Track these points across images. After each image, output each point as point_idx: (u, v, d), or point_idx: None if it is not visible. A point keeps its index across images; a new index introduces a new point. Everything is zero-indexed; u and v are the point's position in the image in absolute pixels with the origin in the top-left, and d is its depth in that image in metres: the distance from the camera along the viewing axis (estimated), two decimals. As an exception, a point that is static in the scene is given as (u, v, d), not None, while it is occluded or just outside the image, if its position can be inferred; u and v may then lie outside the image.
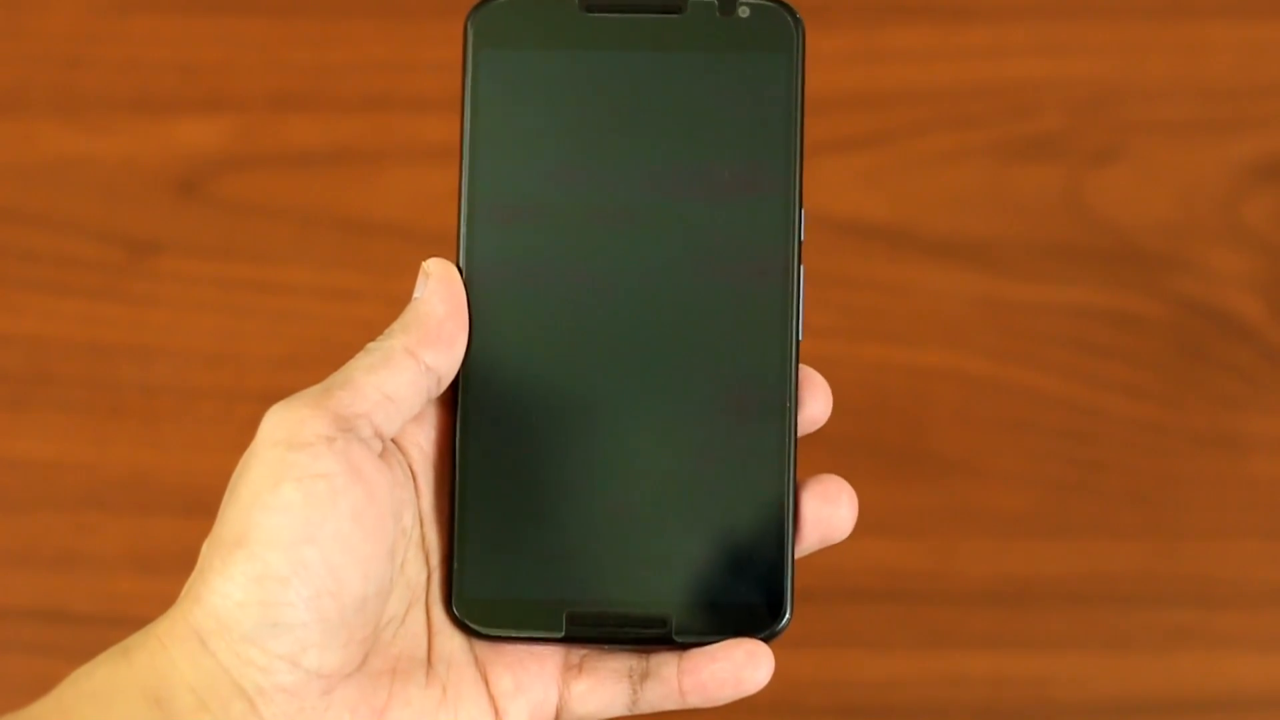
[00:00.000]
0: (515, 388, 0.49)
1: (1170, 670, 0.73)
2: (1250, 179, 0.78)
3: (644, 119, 0.49)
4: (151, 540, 0.75)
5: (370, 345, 0.48)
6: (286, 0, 0.81)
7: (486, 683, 0.49)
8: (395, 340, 0.48)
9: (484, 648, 0.49)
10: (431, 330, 0.48)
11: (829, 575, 0.73)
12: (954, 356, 0.76)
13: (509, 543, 0.49)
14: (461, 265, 0.50)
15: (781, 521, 0.49)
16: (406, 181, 0.79)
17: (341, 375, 0.47)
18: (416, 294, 0.49)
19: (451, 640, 0.49)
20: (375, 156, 0.79)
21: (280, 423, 0.46)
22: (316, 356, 0.76)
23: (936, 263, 0.77)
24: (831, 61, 0.80)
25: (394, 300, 0.77)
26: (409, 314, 0.49)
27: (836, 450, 0.75)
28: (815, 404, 0.50)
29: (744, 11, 0.49)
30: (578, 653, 0.49)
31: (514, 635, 0.48)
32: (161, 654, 0.45)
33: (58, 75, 0.80)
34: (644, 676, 0.49)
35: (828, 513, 0.49)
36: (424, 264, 0.50)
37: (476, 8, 0.50)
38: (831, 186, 0.78)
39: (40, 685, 0.47)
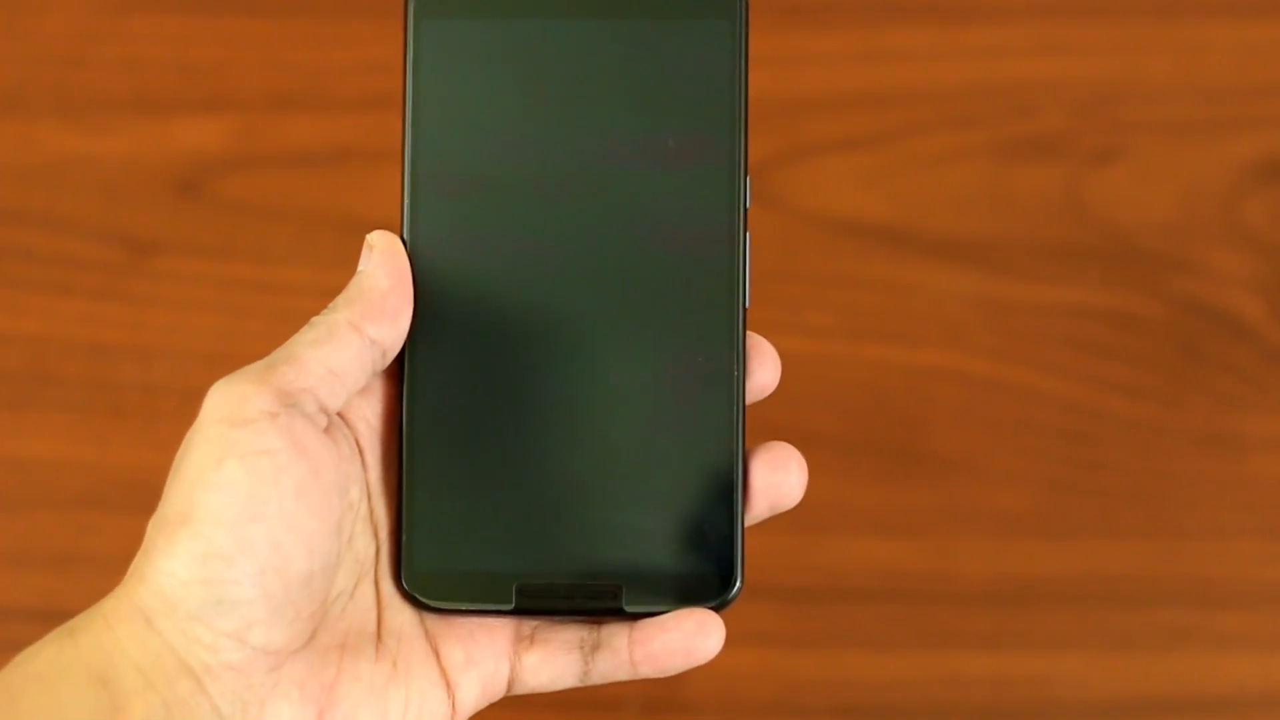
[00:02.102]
0: (461, 359, 0.49)
1: (1170, 670, 0.73)
2: (1250, 179, 0.78)
3: (587, 87, 0.49)
4: (151, 540, 0.75)
5: (314, 320, 0.48)
6: (286, 0, 0.81)
7: (437, 656, 0.48)
8: (339, 314, 0.48)
9: (434, 621, 0.49)
10: (375, 303, 0.48)
11: (829, 575, 0.73)
12: (954, 356, 0.76)
13: (457, 515, 0.49)
14: (405, 237, 0.49)
15: (731, 490, 0.49)
16: (406, 181, 0.79)
17: (285, 350, 0.47)
18: (361, 267, 0.49)
19: (401, 614, 0.49)
20: (375, 156, 0.79)
21: (223, 400, 0.46)
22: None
23: (936, 263, 0.77)
24: (831, 61, 0.79)
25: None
26: (352, 288, 0.49)
27: (837, 450, 0.75)
28: (764, 371, 0.50)
29: None
30: (529, 624, 0.49)
31: (463, 608, 0.48)
32: (107, 634, 0.45)
33: (58, 75, 0.80)
34: (595, 647, 0.49)
35: (777, 479, 0.49)
36: (368, 237, 0.49)
37: None
38: (831, 186, 0.78)
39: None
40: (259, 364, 0.47)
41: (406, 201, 0.49)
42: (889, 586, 0.73)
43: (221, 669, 0.44)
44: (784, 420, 0.74)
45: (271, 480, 0.45)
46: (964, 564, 0.74)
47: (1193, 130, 0.79)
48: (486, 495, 0.49)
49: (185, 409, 0.77)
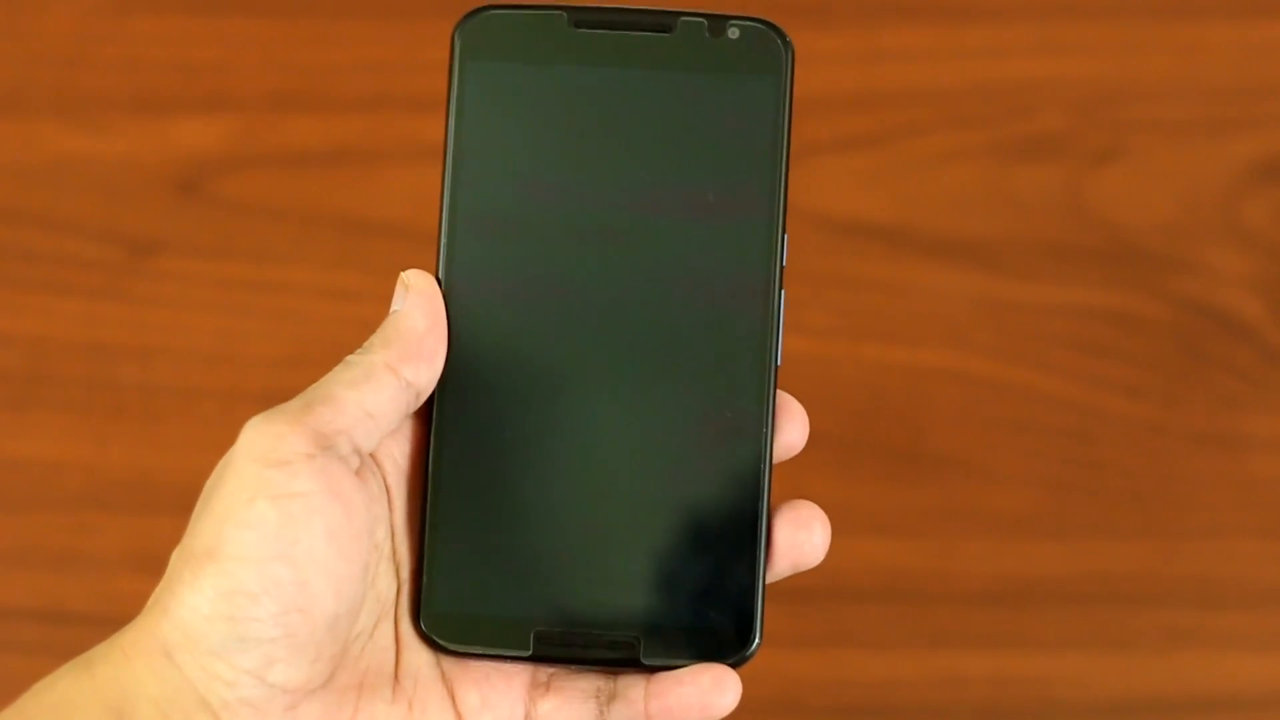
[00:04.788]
0: (490, 403, 0.49)
1: (1170, 670, 0.73)
2: (1250, 179, 0.78)
3: (630, 137, 0.49)
4: (151, 540, 0.74)
5: (350, 359, 0.48)
6: (286, 0, 0.81)
7: (453, 699, 0.48)
8: (376, 355, 0.48)
9: (451, 663, 0.49)
10: (412, 345, 0.48)
11: (829, 575, 0.73)
12: (954, 356, 0.76)
13: (479, 559, 0.48)
14: (440, 277, 0.49)
15: (754, 547, 0.48)
16: (406, 181, 0.79)
17: (322, 390, 0.47)
18: (395, 306, 0.49)
19: (419, 655, 0.49)
20: (375, 156, 0.79)
21: (259, 438, 0.46)
22: (316, 356, 0.75)
23: (936, 263, 0.77)
24: (831, 61, 0.79)
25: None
26: (389, 328, 0.48)
27: (837, 450, 0.75)
28: (792, 430, 0.50)
29: (734, 33, 0.49)
30: (546, 671, 0.49)
31: (479, 652, 0.48)
32: (125, 666, 0.45)
33: (58, 75, 0.80)
34: (611, 698, 0.48)
35: (800, 539, 0.49)
36: (403, 275, 0.49)
37: (465, 18, 0.49)
38: (831, 186, 0.78)
39: (40, 685, 0.47)
40: (296, 402, 0.47)
41: (443, 240, 0.49)
42: (889, 586, 0.73)
43: (239, 705, 0.44)
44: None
45: (303, 522, 0.45)
46: (964, 564, 0.74)
47: (1193, 130, 0.79)
48: (509, 540, 0.48)
49: (185, 409, 0.77)
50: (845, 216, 0.78)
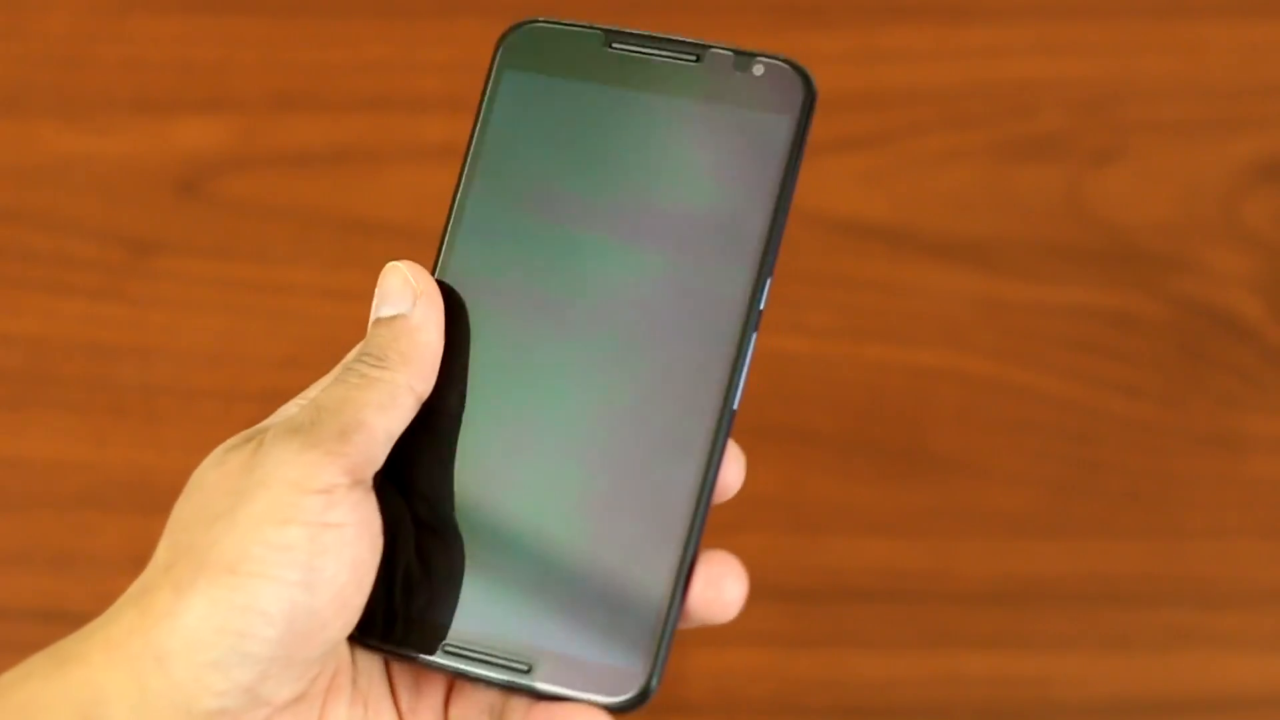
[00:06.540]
0: (443, 415, 0.49)
1: (1170, 670, 0.73)
2: (1250, 179, 0.78)
3: (640, 160, 0.49)
4: (151, 540, 0.74)
5: (372, 371, 0.47)
6: (286, 0, 0.81)
7: (394, 698, 0.49)
8: (399, 375, 0.47)
9: (395, 666, 0.49)
10: (430, 364, 0.48)
11: (829, 575, 0.73)
12: (954, 356, 0.76)
13: (410, 564, 0.48)
14: (435, 275, 0.49)
15: (668, 592, 0.47)
16: (406, 181, 0.79)
17: (353, 413, 0.46)
18: (403, 309, 0.48)
19: (367, 654, 0.49)
20: (375, 156, 0.79)
21: (295, 462, 0.45)
22: (316, 356, 0.75)
23: (936, 263, 0.77)
24: (831, 61, 0.80)
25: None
26: (407, 342, 0.48)
27: (836, 450, 0.75)
28: (728, 469, 0.48)
29: (758, 69, 0.49)
30: (461, 682, 0.49)
31: (390, 650, 0.48)
32: (104, 669, 0.44)
33: (58, 75, 0.80)
34: (499, 717, 0.48)
35: (710, 595, 0.47)
36: (400, 267, 0.48)
37: (511, 28, 0.50)
38: (831, 186, 0.78)
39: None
40: (329, 427, 0.46)
41: (445, 240, 0.49)
42: (889, 586, 0.73)
43: (220, 714, 0.44)
44: (784, 420, 0.75)
45: (334, 553, 0.45)
46: (964, 564, 0.74)
47: (1193, 130, 0.79)
48: (437, 548, 0.48)
49: (185, 409, 0.77)
50: (845, 216, 0.78)
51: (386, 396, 0.47)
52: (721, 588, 0.47)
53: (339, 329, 0.76)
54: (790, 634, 0.73)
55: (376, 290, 0.49)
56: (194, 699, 0.44)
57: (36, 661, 0.45)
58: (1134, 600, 0.73)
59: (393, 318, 0.48)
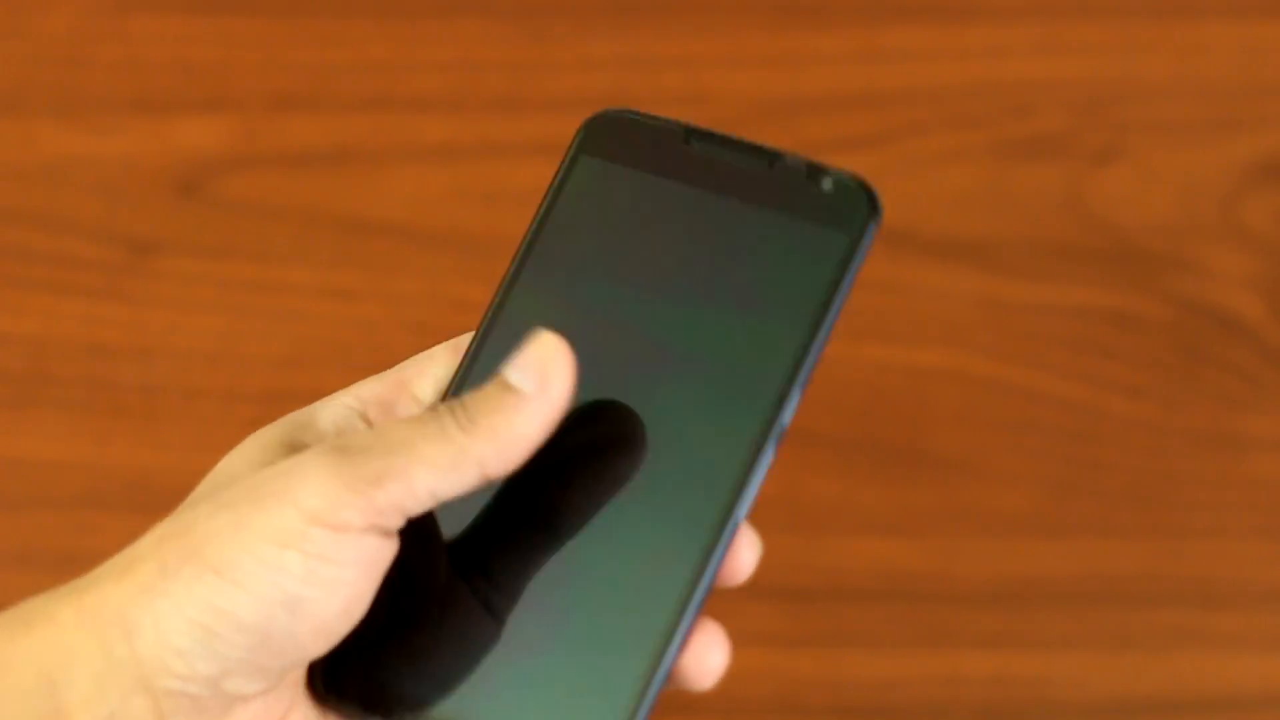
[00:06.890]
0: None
1: (1170, 670, 0.73)
2: (1250, 179, 0.78)
3: (696, 259, 0.49)
4: (151, 540, 0.75)
5: (449, 428, 0.45)
6: (286, 0, 0.81)
7: None
8: (476, 446, 0.44)
9: None
10: (514, 455, 0.45)
11: (829, 575, 0.73)
12: (954, 356, 0.76)
13: (380, 624, 0.48)
14: (473, 342, 0.49)
15: (642, 685, 0.47)
16: (406, 181, 0.79)
17: (403, 463, 0.44)
18: (527, 388, 0.45)
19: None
20: (375, 156, 0.79)
21: (318, 490, 0.44)
22: (316, 356, 0.75)
23: (936, 263, 0.77)
24: (831, 61, 0.80)
25: (394, 300, 0.77)
26: (504, 423, 0.45)
27: (837, 450, 0.75)
28: (743, 554, 0.47)
29: (827, 184, 0.49)
30: None
31: (350, 710, 0.47)
32: (72, 631, 0.44)
33: (58, 75, 0.80)
34: None
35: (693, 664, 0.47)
36: (553, 356, 0.45)
37: (595, 115, 0.50)
38: (831, 186, 0.78)
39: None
40: (371, 466, 0.44)
41: (490, 312, 0.49)
42: (889, 586, 0.73)
43: (182, 697, 0.44)
44: (784, 420, 0.75)
45: (327, 589, 0.44)
46: (964, 564, 0.74)
47: (1193, 130, 0.79)
48: (412, 615, 0.48)
49: (185, 409, 0.77)
50: (845, 216, 0.78)
51: (449, 461, 0.44)
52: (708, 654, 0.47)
53: (339, 329, 0.76)
54: (790, 634, 0.73)
55: (522, 347, 0.45)
56: (155, 676, 0.44)
57: (2, 619, 0.45)
58: (1134, 600, 0.73)
59: (513, 389, 0.45)
